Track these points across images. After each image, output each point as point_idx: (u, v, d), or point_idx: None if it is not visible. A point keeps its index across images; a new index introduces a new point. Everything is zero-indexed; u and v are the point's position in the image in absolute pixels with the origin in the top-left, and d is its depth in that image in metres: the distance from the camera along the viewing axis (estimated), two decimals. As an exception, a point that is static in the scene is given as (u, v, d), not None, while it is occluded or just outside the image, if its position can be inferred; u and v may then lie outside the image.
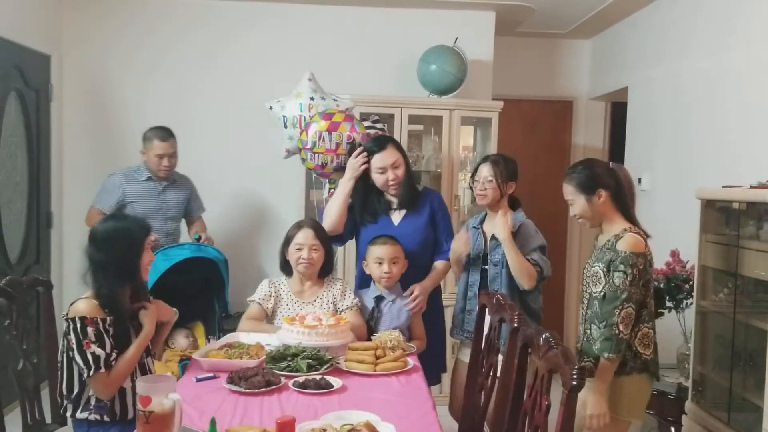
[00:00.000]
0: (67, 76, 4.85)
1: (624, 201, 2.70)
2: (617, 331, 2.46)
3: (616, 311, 2.47)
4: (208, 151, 4.89)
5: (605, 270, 2.54)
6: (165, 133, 3.97)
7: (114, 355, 2.33)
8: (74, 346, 2.29)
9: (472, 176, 3.24)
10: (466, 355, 3.26)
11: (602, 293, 2.55)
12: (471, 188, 3.31)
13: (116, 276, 2.38)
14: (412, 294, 3.11)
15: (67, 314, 2.34)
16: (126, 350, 2.37)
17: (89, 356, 2.28)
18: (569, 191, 2.70)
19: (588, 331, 2.61)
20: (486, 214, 3.26)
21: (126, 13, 4.88)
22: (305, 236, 3.02)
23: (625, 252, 2.51)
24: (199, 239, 3.98)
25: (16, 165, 4.31)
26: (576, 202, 2.68)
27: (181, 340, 3.76)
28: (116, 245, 2.39)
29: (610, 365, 2.48)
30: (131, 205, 3.96)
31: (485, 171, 3.16)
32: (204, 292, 3.91)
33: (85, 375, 2.31)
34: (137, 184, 4.01)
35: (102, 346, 2.30)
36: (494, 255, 3.13)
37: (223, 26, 4.96)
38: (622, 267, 2.49)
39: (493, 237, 3.11)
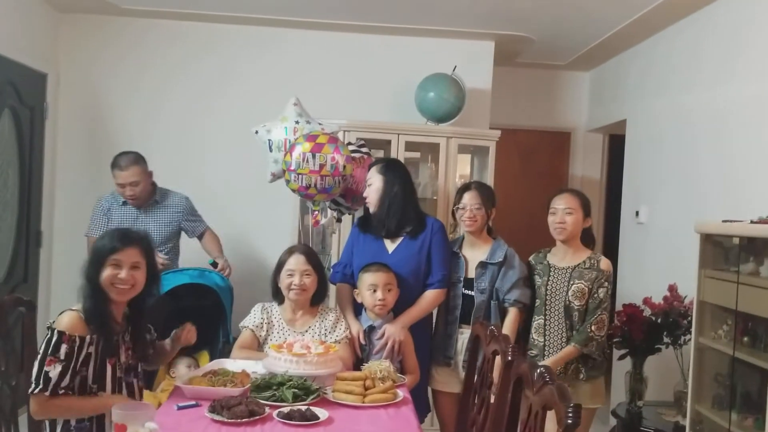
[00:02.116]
0: (63, 96, 4.82)
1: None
2: (590, 331, 3.05)
3: (594, 318, 3.06)
4: (205, 175, 4.87)
5: (590, 286, 3.09)
6: (126, 161, 3.78)
7: (64, 382, 2.23)
8: (38, 356, 2.23)
9: (455, 204, 3.29)
10: (445, 385, 3.21)
11: (584, 306, 3.09)
12: (453, 215, 3.34)
13: (92, 288, 2.32)
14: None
15: (52, 322, 2.29)
16: (88, 395, 2.29)
17: (43, 373, 2.21)
18: (575, 203, 3.17)
19: (566, 333, 3.11)
20: (463, 239, 3.31)
21: (127, 36, 4.88)
22: (297, 262, 2.96)
23: (607, 272, 3.13)
24: (214, 265, 3.82)
25: (7, 182, 4.26)
26: (575, 214, 3.15)
27: (182, 369, 3.47)
28: (89, 260, 2.37)
29: (574, 352, 3.05)
30: (104, 227, 3.81)
31: (473, 198, 3.21)
32: (209, 320, 3.76)
33: (30, 389, 2.22)
34: (117, 209, 3.89)
35: (66, 368, 2.22)
36: (480, 282, 3.16)
37: (222, 51, 4.96)
38: (606, 284, 3.11)
39: (480, 265, 3.18)
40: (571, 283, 3.10)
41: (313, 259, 3.01)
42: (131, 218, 3.87)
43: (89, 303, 2.31)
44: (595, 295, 3.07)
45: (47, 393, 2.20)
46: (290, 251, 3.04)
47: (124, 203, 3.88)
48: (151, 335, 2.61)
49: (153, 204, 3.94)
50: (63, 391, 2.23)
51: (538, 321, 3.19)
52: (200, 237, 4.12)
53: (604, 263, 3.13)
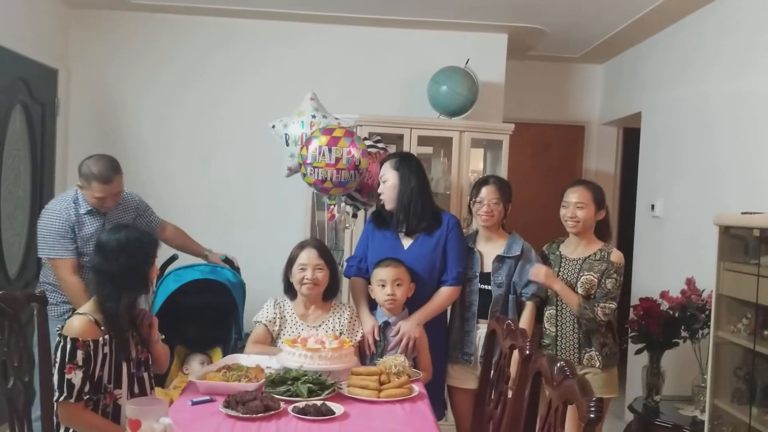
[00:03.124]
0: (75, 91, 4.81)
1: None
2: (595, 314, 3.02)
3: (602, 305, 3.02)
4: (220, 171, 4.87)
5: (599, 277, 3.06)
6: (108, 171, 3.20)
7: (86, 388, 2.24)
8: (56, 365, 2.24)
9: (472, 198, 3.25)
10: (462, 381, 3.18)
11: (593, 296, 3.07)
12: (470, 209, 3.32)
13: (124, 288, 2.34)
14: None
15: (61, 329, 2.28)
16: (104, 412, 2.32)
17: (65, 381, 2.21)
18: (587, 197, 3.13)
19: (578, 324, 3.12)
20: (477, 234, 3.29)
21: (138, 32, 4.87)
22: (309, 256, 2.94)
23: (617, 263, 3.08)
24: (227, 261, 3.70)
25: (19, 178, 4.26)
26: (587, 208, 3.12)
27: (195, 367, 3.36)
28: (129, 256, 2.34)
29: (575, 307, 3.06)
30: (79, 243, 3.27)
31: (491, 193, 3.19)
32: (222, 316, 3.72)
33: (54, 397, 2.24)
34: (85, 218, 3.31)
35: (86, 372, 2.23)
36: (497, 276, 3.15)
37: (238, 47, 4.94)
38: (615, 275, 3.06)
39: (497, 259, 3.16)
40: (581, 274, 3.10)
41: (325, 254, 2.99)
42: (98, 226, 3.31)
43: (114, 299, 2.32)
44: (603, 285, 3.05)
45: (72, 400, 2.21)
46: (302, 246, 3.02)
47: (90, 212, 3.31)
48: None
49: (114, 208, 3.42)
50: (87, 396, 2.24)
51: (549, 311, 3.18)
52: (162, 231, 3.68)
53: (615, 255, 3.10)
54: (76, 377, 2.21)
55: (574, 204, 3.14)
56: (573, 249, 3.20)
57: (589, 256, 3.13)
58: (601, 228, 3.23)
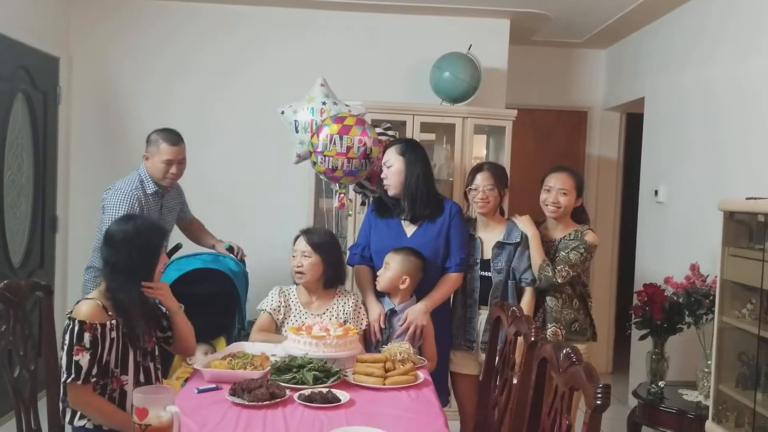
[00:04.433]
0: (76, 79, 4.80)
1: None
2: (550, 274, 3.07)
3: (559, 268, 3.08)
4: (221, 158, 4.85)
5: (567, 251, 3.12)
6: (176, 137, 3.46)
7: (93, 370, 2.27)
8: (65, 347, 2.28)
9: (468, 185, 3.26)
10: (464, 367, 3.19)
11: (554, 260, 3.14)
12: (466, 197, 3.32)
13: (133, 279, 2.38)
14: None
15: (70, 312, 2.32)
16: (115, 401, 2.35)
17: (73, 362, 2.25)
18: (570, 184, 3.18)
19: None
20: (476, 221, 3.29)
21: (140, 18, 4.85)
22: (298, 243, 2.96)
23: (591, 243, 3.14)
24: (230, 250, 3.69)
25: (22, 167, 4.26)
26: (569, 195, 3.17)
27: (199, 356, 3.25)
28: (135, 248, 2.38)
29: (539, 259, 3.11)
30: None
31: (486, 179, 3.19)
32: (224, 306, 3.70)
33: (62, 378, 2.29)
34: (146, 201, 3.44)
35: (93, 355, 2.27)
36: (497, 262, 3.15)
37: (238, 33, 4.91)
38: (582, 249, 3.11)
39: (497, 245, 3.16)
40: (557, 254, 3.15)
41: (316, 240, 2.95)
42: (157, 209, 3.52)
43: (124, 290, 2.36)
44: (567, 255, 3.10)
45: (80, 382, 2.25)
46: (299, 234, 3.02)
47: (154, 193, 3.48)
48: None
49: (167, 193, 3.61)
50: (95, 379, 2.28)
51: None
52: (188, 223, 3.85)
53: (590, 236, 3.16)
54: (84, 359, 2.25)
55: (558, 190, 3.17)
56: (550, 231, 3.25)
57: (564, 236, 3.20)
58: (578, 213, 3.28)
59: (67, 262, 4.78)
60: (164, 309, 2.58)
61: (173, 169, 3.44)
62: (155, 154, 3.43)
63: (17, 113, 4.19)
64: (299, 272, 2.91)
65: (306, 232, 3.00)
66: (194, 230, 3.87)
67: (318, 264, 2.92)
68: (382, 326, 2.99)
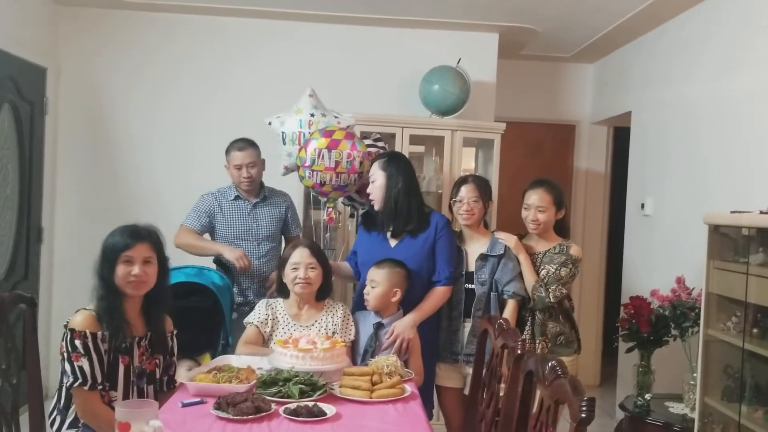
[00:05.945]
0: (64, 90, 4.78)
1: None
2: (543, 294, 3.09)
3: (553, 288, 3.10)
4: (207, 169, 4.77)
5: (555, 267, 3.14)
6: (243, 143, 3.62)
7: (98, 376, 2.28)
8: (65, 355, 2.31)
9: (452, 197, 3.27)
10: (449, 380, 3.18)
11: (545, 280, 3.14)
12: (450, 209, 3.32)
13: (104, 286, 2.38)
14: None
15: (68, 322, 2.35)
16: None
17: (76, 368, 2.28)
18: (548, 200, 3.19)
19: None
20: (461, 233, 3.30)
21: (128, 29, 4.84)
22: (301, 255, 2.93)
23: (575, 256, 3.18)
24: (218, 262, 3.61)
25: (7, 177, 4.23)
26: (548, 211, 3.19)
27: (182, 373, 3.15)
28: (100, 258, 2.41)
29: (531, 280, 3.13)
30: (220, 227, 3.64)
31: (470, 191, 3.20)
32: (209, 321, 3.65)
33: (68, 383, 2.30)
34: (226, 204, 3.65)
35: (91, 360, 2.29)
36: (480, 275, 3.16)
37: (227, 43, 4.92)
38: (570, 266, 3.15)
39: (480, 257, 3.16)
40: (541, 267, 3.18)
41: (318, 253, 2.98)
42: (244, 213, 3.65)
43: (103, 303, 2.37)
44: (557, 272, 3.13)
45: (86, 387, 2.27)
46: (294, 245, 3.01)
47: (237, 197, 3.65)
48: (171, 336, 2.62)
49: (263, 200, 3.71)
50: (101, 386, 2.30)
51: None
52: (292, 237, 3.80)
53: (575, 249, 3.21)
54: (85, 364, 2.28)
55: (536, 208, 3.19)
56: (534, 244, 3.27)
57: (549, 249, 3.22)
58: (559, 226, 3.29)
59: (52, 273, 4.74)
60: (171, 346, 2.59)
61: (244, 173, 3.58)
62: (229, 162, 3.64)
63: (3, 124, 4.17)
64: (306, 283, 2.89)
65: (309, 246, 2.99)
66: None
67: (321, 275, 2.94)
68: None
